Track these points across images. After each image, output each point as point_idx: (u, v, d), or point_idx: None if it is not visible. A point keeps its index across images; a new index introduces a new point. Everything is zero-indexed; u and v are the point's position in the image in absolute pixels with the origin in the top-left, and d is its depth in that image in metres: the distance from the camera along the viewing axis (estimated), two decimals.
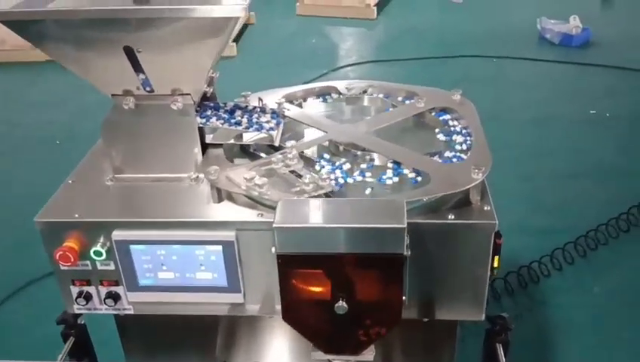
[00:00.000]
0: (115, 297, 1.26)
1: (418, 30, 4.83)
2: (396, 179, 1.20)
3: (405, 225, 0.99)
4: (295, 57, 4.44)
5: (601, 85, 3.86)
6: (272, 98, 1.45)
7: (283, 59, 4.39)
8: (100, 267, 1.22)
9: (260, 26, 5.01)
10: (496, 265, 1.17)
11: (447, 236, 1.12)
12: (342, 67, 4.25)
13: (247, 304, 1.23)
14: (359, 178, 1.21)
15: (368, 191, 1.17)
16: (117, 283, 1.24)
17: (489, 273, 1.16)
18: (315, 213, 1.04)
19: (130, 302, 1.27)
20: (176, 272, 1.22)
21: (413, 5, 5.40)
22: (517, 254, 2.43)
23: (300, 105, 1.47)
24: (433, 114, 1.40)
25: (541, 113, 3.53)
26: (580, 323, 2.18)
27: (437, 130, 1.35)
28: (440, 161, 1.23)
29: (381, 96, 1.49)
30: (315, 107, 1.47)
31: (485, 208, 1.13)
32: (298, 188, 1.12)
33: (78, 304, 1.27)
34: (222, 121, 1.31)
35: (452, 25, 4.91)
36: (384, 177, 1.20)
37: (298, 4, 5.15)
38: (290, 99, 1.47)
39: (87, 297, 1.27)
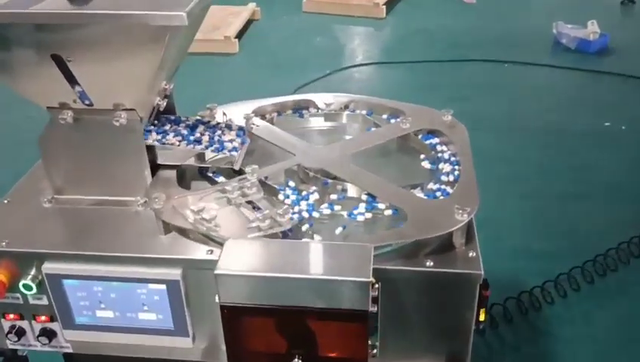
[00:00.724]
0: (50, 334, 1.12)
1: (428, 31, 4.64)
2: (369, 215, 1.04)
3: (370, 279, 0.83)
4: (298, 56, 4.27)
5: (618, 95, 3.66)
6: (241, 111, 1.30)
7: (285, 58, 4.23)
8: (32, 301, 1.08)
9: (265, 22, 4.85)
10: (482, 318, 1.01)
11: (424, 285, 0.96)
12: (346, 68, 4.07)
13: (196, 348, 1.08)
14: (327, 211, 1.05)
15: (337, 230, 1.01)
16: (52, 319, 1.10)
17: (473, 327, 1.00)
18: (265, 258, 0.88)
19: (68, 341, 1.12)
20: (116, 311, 1.07)
21: (424, 5, 5.21)
22: (517, 278, 2.26)
23: (271, 121, 1.31)
24: (420, 136, 1.24)
25: (551, 124, 3.33)
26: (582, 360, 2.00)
27: (422, 157, 1.19)
28: (421, 194, 1.07)
29: (364, 112, 1.33)
30: (288, 124, 1.31)
31: (470, 254, 0.96)
32: (252, 225, 0.96)
33: (9, 339, 1.13)
34: (179, 138, 1.15)
35: (464, 26, 4.71)
36: (355, 212, 1.04)
37: (305, 0, 4.98)
38: (261, 113, 1.31)
39: (20, 332, 1.13)
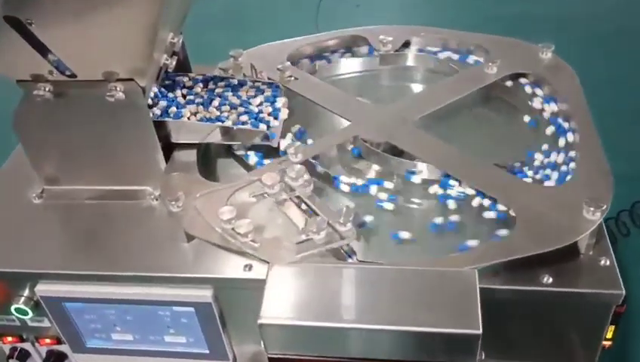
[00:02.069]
0: (59, 357, 0.92)
1: None
2: (455, 217, 0.77)
3: (480, 331, 0.58)
4: None
5: None
6: (272, 57, 1.01)
7: None
8: (31, 324, 0.87)
9: None
10: (609, 335, 0.77)
11: (539, 307, 0.71)
12: None
13: None
14: (388, 205, 0.79)
15: (403, 234, 0.75)
16: (59, 342, 0.89)
17: (599, 351, 0.76)
18: (327, 298, 0.63)
19: None
20: (136, 334, 0.85)
21: None
22: None
23: (313, 70, 1.02)
24: (508, 83, 0.93)
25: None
26: None
27: (520, 117, 0.89)
28: (527, 180, 0.79)
29: (435, 50, 1.02)
30: (333, 71, 1.02)
31: (602, 262, 0.70)
32: (303, 237, 0.71)
33: None
34: (194, 107, 0.88)
35: None
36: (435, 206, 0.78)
37: None
38: (296, 60, 1.02)
39: (24, 356, 0.93)
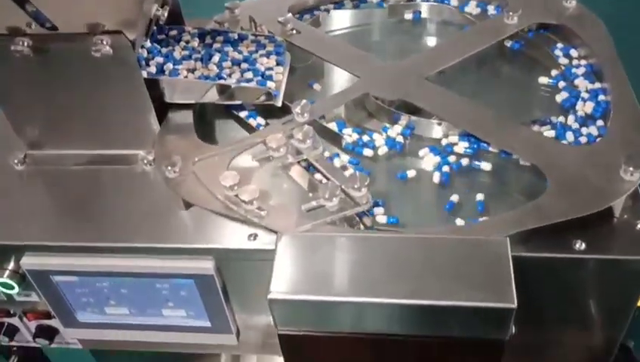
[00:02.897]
0: (49, 332, 0.86)
1: None
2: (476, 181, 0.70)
3: (515, 305, 0.53)
4: None
5: None
6: (272, 9, 0.93)
7: None
8: (18, 298, 0.81)
9: None
10: None
11: (570, 274, 0.65)
12: None
13: (242, 344, 0.82)
14: (415, 167, 0.73)
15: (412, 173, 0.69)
16: (49, 316, 0.84)
17: (629, 318, 0.71)
18: (342, 269, 0.57)
19: (73, 338, 0.87)
20: (132, 308, 0.80)
21: None
22: None
23: (317, 22, 0.94)
24: (529, 33, 0.86)
25: None
26: None
27: (549, 72, 0.82)
28: (552, 136, 0.73)
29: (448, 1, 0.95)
30: (339, 23, 0.94)
31: (639, 226, 0.65)
32: (314, 204, 0.64)
33: (1, 339, 0.87)
34: (191, 63, 0.81)
35: None
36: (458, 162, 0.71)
37: None
38: (299, 11, 0.94)
39: (12, 331, 0.87)
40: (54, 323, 0.84)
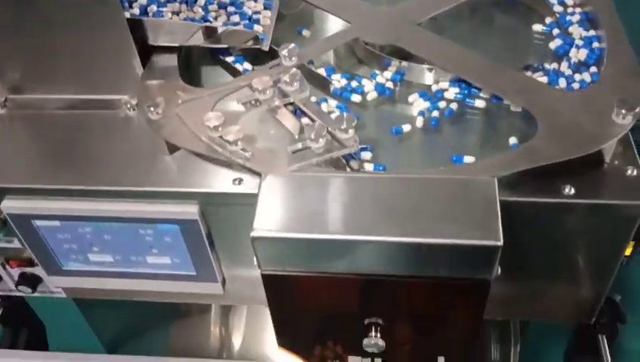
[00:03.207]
0: (32, 280, 0.85)
1: None
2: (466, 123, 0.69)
3: (501, 243, 0.52)
4: None
5: None
6: None
7: None
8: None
9: None
10: (628, 252, 0.71)
11: (559, 219, 0.65)
12: None
13: (228, 294, 0.81)
14: (405, 114, 0.71)
15: (407, 128, 0.68)
16: (32, 264, 0.82)
17: (616, 267, 0.71)
18: (328, 208, 0.56)
19: (57, 287, 0.86)
20: (116, 255, 0.79)
21: None
22: None
23: None
24: None
25: None
26: None
27: (543, 19, 0.81)
28: (545, 81, 0.71)
29: None
30: None
31: (629, 172, 0.64)
32: (299, 146, 0.63)
33: None
34: (176, 5, 0.79)
35: None
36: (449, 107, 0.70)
37: None
38: None
39: None
40: (37, 271, 0.83)
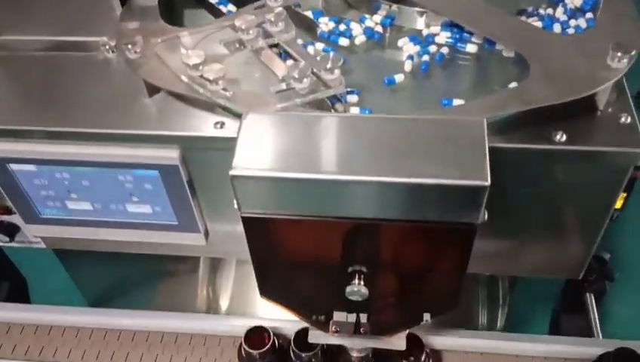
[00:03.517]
0: (10, 229, 0.83)
1: None
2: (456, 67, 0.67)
3: (487, 183, 0.50)
4: None
5: None
6: None
7: None
8: None
9: None
10: (618, 205, 0.70)
11: (548, 168, 0.63)
12: None
13: (211, 245, 0.80)
14: (393, 59, 0.69)
15: (400, 78, 0.65)
16: (9, 211, 0.80)
17: (606, 220, 0.69)
18: (310, 147, 0.54)
19: (36, 236, 0.84)
20: (95, 202, 0.76)
21: None
22: None
23: None
24: None
25: None
26: None
27: None
28: (539, 25, 0.69)
29: None
30: None
31: (622, 120, 0.62)
32: (283, 86, 0.61)
33: None
34: None
35: None
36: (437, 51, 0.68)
37: None
38: None
39: None
40: (15, 219, 0.81)
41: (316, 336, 0.76)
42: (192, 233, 0.78)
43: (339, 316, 0.73)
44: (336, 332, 0.73)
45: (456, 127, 0.53)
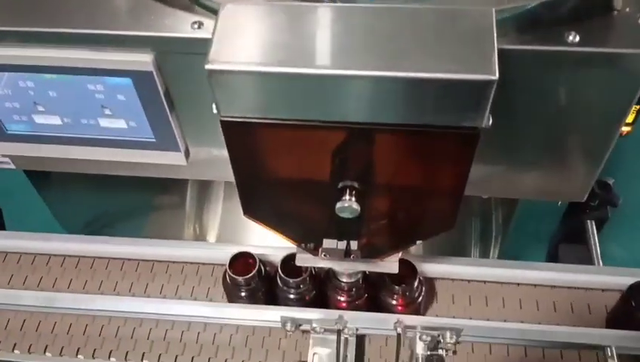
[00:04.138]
0: None
1: None
2: None
3: (495, 77, 0.45)
4: None
5: None
6: None
7: None
8: None
9: None
10: (630, 119, 0.65)
11: (558, 73, 0.57)
12: None
13: (193, 166, 0.74)
14: None
15: None
16: None
17: (616, 135, 0.64)
18: (297, 38, 0.48)
19: (4, 155, 0.78)
20: (64, 117, 0.70)
21: None
22: None
23: None
24: None
25: None
26: None
27: None
28: None
29: None
30: None
31: None
32: None
33: None
34: None
35: None
36: None
37: None
38: None
39: None
40: None
41: (304, 259, 0.72)
42: (171, 152, 0.72)
43: (328, 243, 0.68)
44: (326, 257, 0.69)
45: (462, 17, 0.48)
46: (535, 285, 0.84)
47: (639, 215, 1.45)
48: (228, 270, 0.78)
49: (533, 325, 0.78)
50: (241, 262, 0.80)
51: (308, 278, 0.78)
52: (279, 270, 0.78)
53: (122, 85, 0.65)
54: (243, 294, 0.80)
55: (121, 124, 0.70)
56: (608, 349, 0.73)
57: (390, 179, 0.57)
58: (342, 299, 0.79)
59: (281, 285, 0.79)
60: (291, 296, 0.79)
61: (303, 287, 0.78)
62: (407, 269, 0.77)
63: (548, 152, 0.66)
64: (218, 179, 0.79)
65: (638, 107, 0.65)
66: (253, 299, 0.81)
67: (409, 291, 0.77)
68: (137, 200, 1.22)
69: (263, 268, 0.80)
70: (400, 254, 0.71)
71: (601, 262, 0.85)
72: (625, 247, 1.47)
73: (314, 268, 0.79)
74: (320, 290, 0.80)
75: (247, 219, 0.66)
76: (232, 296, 0.82)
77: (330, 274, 0.79)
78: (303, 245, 0.70)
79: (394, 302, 0.78)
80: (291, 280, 0.78)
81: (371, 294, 0.80)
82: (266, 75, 0.46)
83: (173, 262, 0.90)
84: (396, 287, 0.77)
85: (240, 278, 0.78)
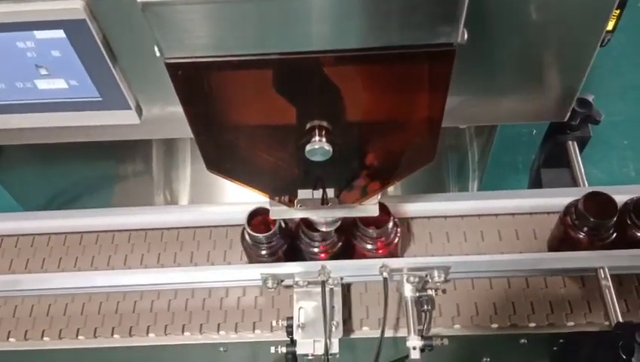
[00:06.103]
0: None
1: None
2: None
3: None
4: None
5: None
6: None
7: None
8: None
9: None
10: (610, 27, 0.60)
11: None
12: None
13: (147, 124, 0.68)
14: None
15: None
16: None
17: (598, 43, 0.60)
18: None
19: None
20: None
21: None
22: None
23: None
24: None
25: None
26: None
27: None
28: None
29: None
30: None
31: None
32: None
33: None
34: None
35: None
36: None
37: None
38: None
39: None
40: None
41: (277, 212, 0.67)
42: (121, 110, 0.66)
43: (303, 193, 0.64)
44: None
45: None
46: (513, 214, 0.80)
47: (616, 134, 1.44)
48: (247, 228, 0.73)
49: (517, 255, 0.75)
50: (259, 219, 0.74)
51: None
52: (302, 225, 0.73)
53: (55, 39, 0.58)
54: (264, 252, 0.76)
55: (60, 84, 0.63)
56: (601, 270, 0.70)
57: (362, 114, 0.52)
58: (317, 250, 0.75)
59: (305, 238, 0.74)
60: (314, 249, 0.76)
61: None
62: (380, 211, 0.73)
63: (527, 70, 0.62)
64: (177, 136, 0.73)
65: (618, 12, 0.60)
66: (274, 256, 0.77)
67: (384, 234, 0.73)
68: (99, 171, 1.16)
69: (282, 222, 0.75)
70: (379, 196, 0.67)
71: (586, 183, 0.82)
72: (602, 170, 1.45)
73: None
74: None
75: (219, 178, 0.61)
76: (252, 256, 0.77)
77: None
78: (277, 199, 0.66)
79: (370, 247, 0.74)
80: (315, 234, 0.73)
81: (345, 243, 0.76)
82: (213, 2, 0.40)
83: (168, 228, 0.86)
84: (370, 231, 0.73)
85: (262, 236, 0.73)
